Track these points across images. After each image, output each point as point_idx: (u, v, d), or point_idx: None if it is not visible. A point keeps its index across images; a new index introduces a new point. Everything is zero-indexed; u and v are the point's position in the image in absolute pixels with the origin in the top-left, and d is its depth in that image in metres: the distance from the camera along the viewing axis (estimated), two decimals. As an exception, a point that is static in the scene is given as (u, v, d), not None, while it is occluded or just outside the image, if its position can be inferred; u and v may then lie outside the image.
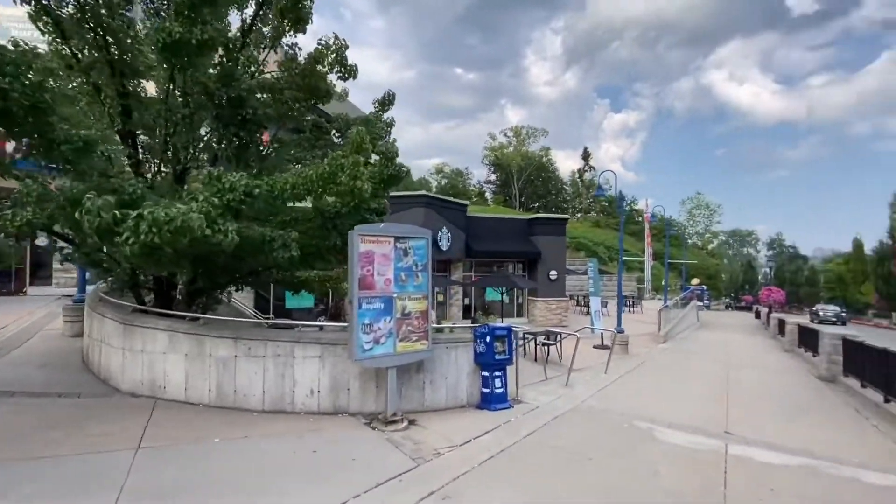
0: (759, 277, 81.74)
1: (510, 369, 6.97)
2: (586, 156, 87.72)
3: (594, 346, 13.40)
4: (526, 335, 11.26)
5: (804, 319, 18.46)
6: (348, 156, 5.14)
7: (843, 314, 31.52)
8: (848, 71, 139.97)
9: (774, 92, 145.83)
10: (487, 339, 6.46)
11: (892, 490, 4.17)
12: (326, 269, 7.97)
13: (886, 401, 7.07)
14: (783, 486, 4.15)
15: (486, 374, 6.51)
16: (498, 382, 6.52)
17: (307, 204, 6.22)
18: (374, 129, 7.36)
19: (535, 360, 10.41)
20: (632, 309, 26.60)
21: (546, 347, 10.92)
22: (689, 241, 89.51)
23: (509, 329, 6.65)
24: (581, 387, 8.08)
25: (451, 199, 18.97)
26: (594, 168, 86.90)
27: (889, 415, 6.68)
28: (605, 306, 23.20)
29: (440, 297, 18.28)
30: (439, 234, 16.13)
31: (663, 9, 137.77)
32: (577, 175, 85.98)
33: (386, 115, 8.36)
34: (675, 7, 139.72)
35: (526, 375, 8.80)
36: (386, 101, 8.38)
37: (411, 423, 5.45)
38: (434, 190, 67.02)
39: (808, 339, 13.42)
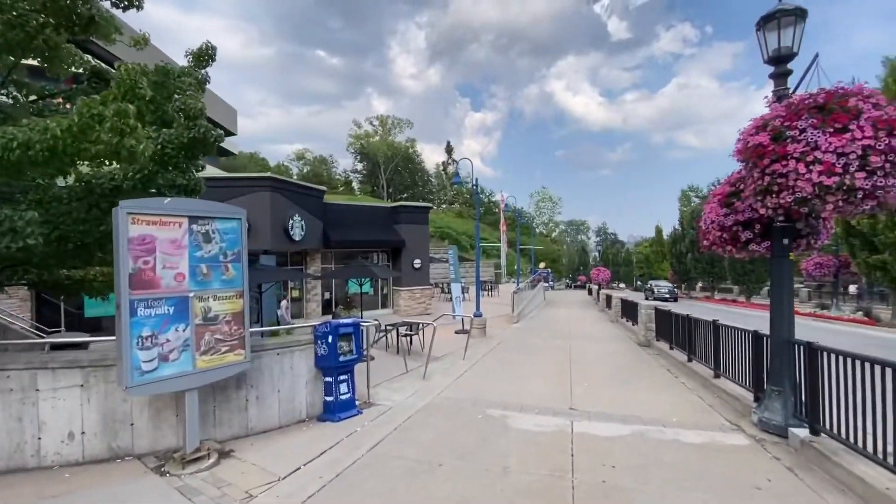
0: (590, 260, 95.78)
1: (361, 369, 6.17)
2: (449, 149, 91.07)
3: (456, 332, 13.44)
4: (387, 327, 10.60)
5: (624, 294, 21.63)
6: (109, 103, 3.66)
7: (675, 291, 36.06)
8: (651, 90, 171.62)
9: (599, 103, 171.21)
10: (330, 338, 5.54)
11: (705, 447, 4.53)
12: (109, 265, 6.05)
13: (689, 360, 8.18)
14: (621, 460, 4.19)
15: (329, 379, 5.59)
16: (344, 387, 5.66)
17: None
18: (177, 82, 5.71)
19: (398, 351, 9.82)
20: (490, 293, 28.10)
21: (408, 338, 10.42)
22: (537, 229, 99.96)
23: (356, 325, 5.82)
24: (439, 377, 7.71)
25: (305, 184, 17.20)
26: (457, 161, 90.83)
27: (692, 371, 7.71)
28: (466, 292, 23.99)
29: (296, 293, 16.53)
30: (290, 221, 14.42)
31: (513, 19, 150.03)
32: (441, 168, 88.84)
33: (206, 76, 6.66)
34: (523, 19, 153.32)
35: (386, 370, 8.14)
36: (204, 55, 6.66)
37: (224, 455, 4.28)
38: (295, 177, 62.00)
39: (629, 311, 15.48)
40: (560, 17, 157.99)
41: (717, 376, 6.79)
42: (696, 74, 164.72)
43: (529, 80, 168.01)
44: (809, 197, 3.78)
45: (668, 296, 32.01)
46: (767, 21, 4.62)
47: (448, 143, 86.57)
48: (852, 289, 28.53)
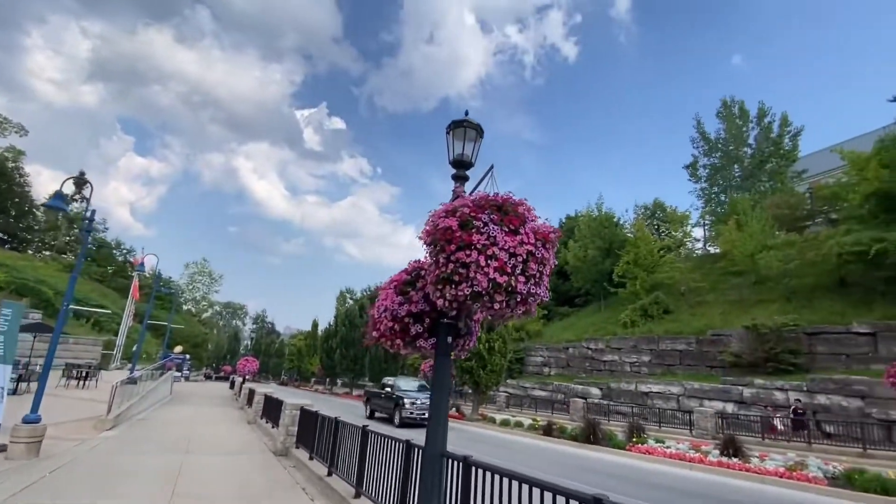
0: (242, 348, 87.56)
1: None
2: (81, 182, 68.62)
3: (-37, 454, 7.70)
4: None
5: (270, 388, 19.47)
6: None
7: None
8: (330, 199, 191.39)
9: (283, 195, 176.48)
10: None
11: None
12: None
13: (329, 473, 7.02)
14: None
15: None
16: None
17: None
18: None
19: None
20: (83, 383, 19.80)
21: None
22: (186, 306, 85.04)
23: None
24: None
25: None
26: (88, 200, 69.31)
27: (330, 489, 6.50)
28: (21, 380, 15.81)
29: None
30: None
31: (214, 84, 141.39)
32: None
33: None
34: (225, 89, 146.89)
35: None
36: None
37: None
38: None
39: (271, 411, 13.48)
40: (262, 105, 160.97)
41: (357, 495, 5.82)
42: (365, 199, 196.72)
43: (216, 149, 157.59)
44: (483, 292, 3.57)
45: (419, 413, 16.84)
46: (456, 126, 4.85)
47: (81, 172, 64.90)
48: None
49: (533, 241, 3.66)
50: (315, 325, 66.76)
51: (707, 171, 47.63)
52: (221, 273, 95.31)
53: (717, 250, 39.11)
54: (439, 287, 3.82)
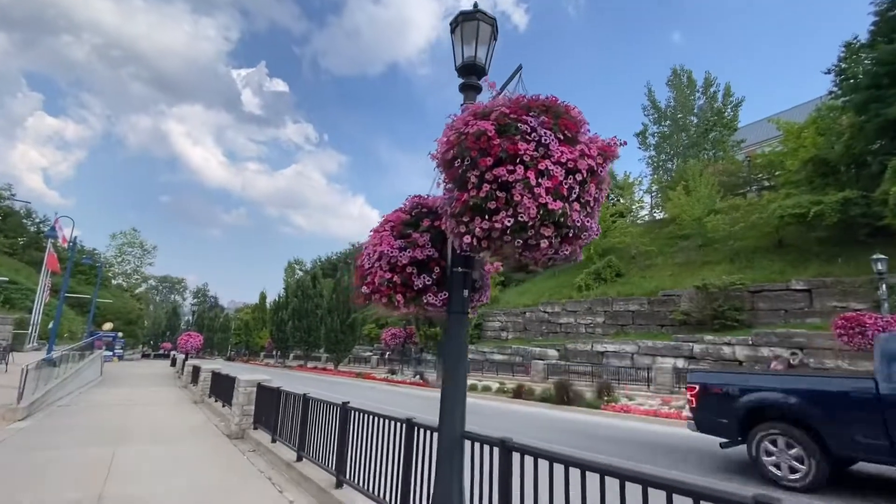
0: (182, 324, 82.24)
1: None
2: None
3: None
4: None
5: (216, 365, 17.82)
6: None
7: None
8: (273, 167, 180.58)
9: (221, 162, 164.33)
10: None
11: None
12: None
13: (299, 458, 6.02)
14: None
15: None
16: None
17: None
18: None
19: None
20: (-14, 367, 17.12)
21: None
22: (115, 280, 78.08)
23: None
24: None
25: None
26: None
27: (303, 478, 5.52)
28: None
29: None
30: None
31: (135, 37, 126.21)
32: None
33: None
34: (149, 43, 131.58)
35: None
36: None
37: None
38: None
39: (221, 389, 12.11)
40: (194, 62, 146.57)
41: (339, 484, 4.88)
42: (311, 167, 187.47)
43: (142, 110, 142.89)
44: (529, 223, 2.62)
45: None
46: (466, 20, 3.73)
47: None
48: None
49: (595, 154, 2.72)
50: (263, 297, 63.63)
51: (656, 138, 49.04)
52: (155, 244, 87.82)
53: (665, 216, 40.59)
54: (464, 221, 2.82)
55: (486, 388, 17.07)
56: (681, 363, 22.36)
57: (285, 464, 6.16)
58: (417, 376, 23.28)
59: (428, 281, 3.48)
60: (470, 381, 19.88)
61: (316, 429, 5.71)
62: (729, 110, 43.84)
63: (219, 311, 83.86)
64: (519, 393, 14.82)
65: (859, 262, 19.90)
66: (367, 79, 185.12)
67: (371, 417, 4.49)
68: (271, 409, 7.63)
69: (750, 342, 20.60)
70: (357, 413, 4.81)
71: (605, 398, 13.11)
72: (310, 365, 40.42)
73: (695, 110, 45.61)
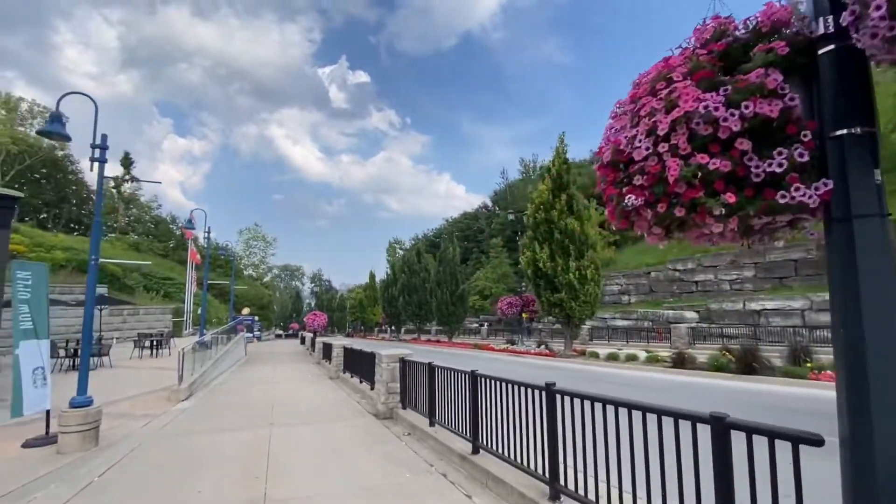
0: (304, 307, 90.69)
1: None
2: (128, 163, 69.31)
3: (25, 444, 6.25)
4: None
5: (345, 341, 18.13)
6: None
7: None
8: (363, 157, 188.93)
9: (318, 158, 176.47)
10: None
11: None
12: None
13: (476, 450, 4.81)
14: None
15: None
16: None
17: None
18: None
19: None
20: (155, 351, 19.34)
21: None
22: (246, 271, 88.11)
23: None
24: None
25: None
26: (137, 180, 71.10)
27: (489, 477, 4.28)
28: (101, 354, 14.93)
29: None
30: None
31: (234, 55, 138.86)
32: (112, 185, 66.29)
33: None
34: (245, 58, 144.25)
35: None
36: None
37: None
38: None
39: (356, 364, 11.74)
40: (285, 69, 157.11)
41: (555, 496, 3.50)
42: (397, 152, 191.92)
43: (249, 120, 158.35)
44: None
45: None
46: None
47: (126, 154, 64.75)
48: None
49: None
50: (372, 276, 66.74)
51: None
52: (275, 236, 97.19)
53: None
54: None
55: (632, 357, 14.90)
56: (878, 319, 17.69)
57: (458, 456, 5.00)
58: (543, 346, 21.73)
59: (784, 162, 1.75)
60: (606, 350, 17.81)
61: (495, 415, 4.42)
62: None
63: (334, 293, 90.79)
64: (681, 361, 12.48)
65: None
66: (442, 53, 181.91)
67: (597, 405, 2.97)
68: (422, 387, 6.61)
69: None
70: (570, 398, 3.34)
71: (808, 365, 10.27)
72: (423, 338, 41.20)
73: None
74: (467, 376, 5.00)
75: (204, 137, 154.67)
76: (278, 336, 72.89)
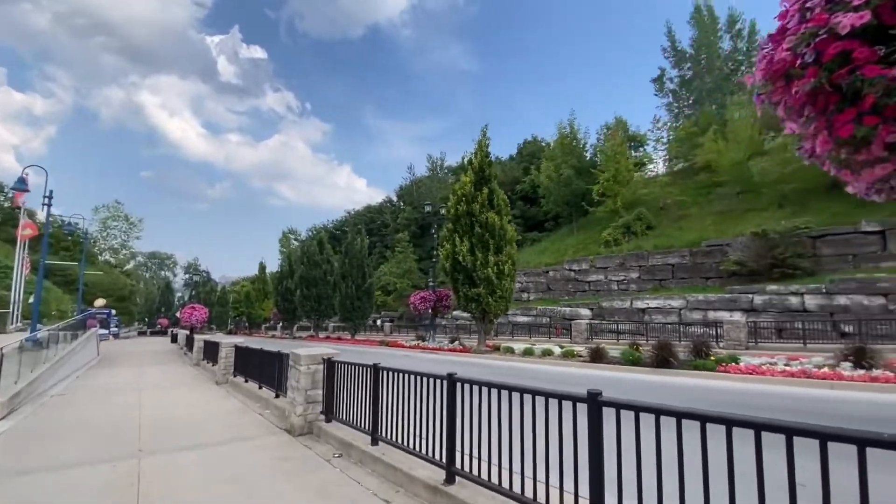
0: (176, 300, 79.46)
1: None
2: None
3: None
4: None
5: (235, 339, 15.46)
6: None
7: None
8: (255, 139, 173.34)
9: (200, 135, 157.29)
10: None
11: None
12: None
13: (450, 478, 3.70)
14: None
15: None
16: None
17: None
18: None
19: None
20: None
21: None
22: (102, 256, 74.48)
23: None
24: None
25: None
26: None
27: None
28: None
29: None
30: None
31: (102, 4, 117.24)
32: None
33: None
34: (117, 10, 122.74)
35: None
36: None
37: None
38: None
39: (256, 367, 9.77)
40: (165, 29, 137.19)
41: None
42: (295, 137, 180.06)
43: (113, 82, 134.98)
44: None
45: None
46: None
47: None
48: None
49: None
50: (262, 268, 60.87)
51: (675, 83, 45.98)
52: (141, 218, 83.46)
53: (692, 164, 37.93)
54: None
55: (547, 353, 14.99)
56: (738, 316, 20.47)
57: (425, 486, 3.84)
58: (456, 342, 21.22)
59: None
60: (519, 345, 17.83)
61: (480, 431, 3.38)
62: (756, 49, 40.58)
63: (213, 285, 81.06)
64: (598, 356, 12.72)
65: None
66: (349, 42, 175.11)
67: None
68: (360, 396, 5.28)
69: (824, 290, 18.66)
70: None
71: (711, 359, 11.04)
72: (321, 335, 38.37)
73: (719, 52, 42.28)
74: (444, 381, 3.86)
75: (51, 95, 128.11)
76: (142, 333, 62.91)
